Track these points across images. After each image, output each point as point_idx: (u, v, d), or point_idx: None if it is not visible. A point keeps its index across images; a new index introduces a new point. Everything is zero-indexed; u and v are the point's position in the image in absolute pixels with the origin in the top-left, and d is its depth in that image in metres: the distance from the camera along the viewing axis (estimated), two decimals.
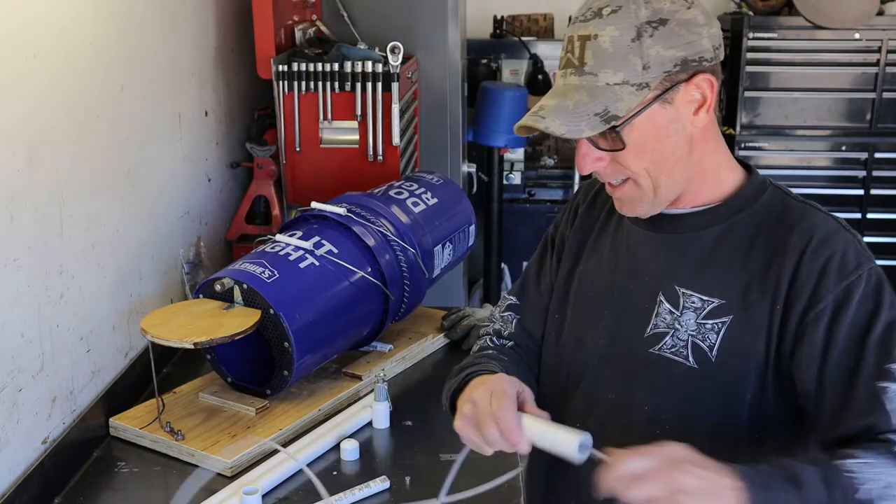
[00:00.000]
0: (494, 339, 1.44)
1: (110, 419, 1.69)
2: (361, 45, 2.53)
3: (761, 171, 1.27)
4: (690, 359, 1.20)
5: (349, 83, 2.29)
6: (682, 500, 0.97)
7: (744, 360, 1.17)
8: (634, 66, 1.11)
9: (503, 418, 1.12)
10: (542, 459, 1.37)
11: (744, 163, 1.27)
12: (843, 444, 1.10)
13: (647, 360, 1.23)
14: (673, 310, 1.22)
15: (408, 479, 1.52)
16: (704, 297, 1.20)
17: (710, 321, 1.19)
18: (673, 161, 1.17)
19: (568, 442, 1.10)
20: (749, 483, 1.00)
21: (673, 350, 1.21)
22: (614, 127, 1.12)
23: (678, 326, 1.21)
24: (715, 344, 1.18)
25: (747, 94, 4.05)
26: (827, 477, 1.03)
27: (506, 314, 1.45)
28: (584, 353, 1.31)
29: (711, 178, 1.23)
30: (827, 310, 1.12)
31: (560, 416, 1.35)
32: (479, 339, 1.47)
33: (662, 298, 1.23)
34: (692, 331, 1.20)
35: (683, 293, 1.22)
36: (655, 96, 1.12)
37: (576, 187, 4.05)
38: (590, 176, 1.25)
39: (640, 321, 1.25)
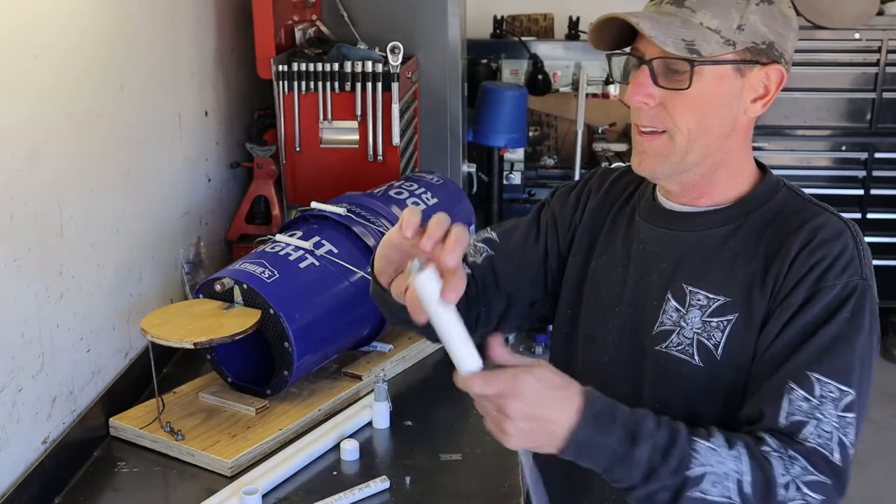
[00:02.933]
0: None
1: (110, 419, 1.69)
2: (361, 45, 2.53)
3: None
4: (696, 357, 1.19)
5: (349, 83, 2.29)
6: (505, 425, 1.00)
7: (749, 358, 1.16)
8: (731, 21, 1.12)
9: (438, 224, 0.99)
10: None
11: (759, 163, 1.27)
12: (741, 425, 1.13)
13: (655, 357, 1.23)
14: (679, 307, 1.21)
15: (408, 479, 1.51)
16: (710, 295, 1.19)
17: (716, 319, 1.18)
18: (714, 134, 1.17)
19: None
20: (585, 420, 1.02)
21: (679, 348, 1.20)
22: (693, 61, 1.11)
23: (684, 324, 1.20)
24: (720, 342, 1.17)
25: None
26: (669, 447, 1.04)
27: (479, 244, 1.41)
28: (595, 350, 1.31)
29: (733, 176, 1.22)
30: (789, 309, 1.12)
31: None
32: None
33: (670, 296, 1.22)
34: (697, 329, 1.19)
35: (690, 291, 1.21)
36: (735, 59, 1.13)
37: None
38: (589, 167, 1.24)
39: (649, 318, 1.24)
